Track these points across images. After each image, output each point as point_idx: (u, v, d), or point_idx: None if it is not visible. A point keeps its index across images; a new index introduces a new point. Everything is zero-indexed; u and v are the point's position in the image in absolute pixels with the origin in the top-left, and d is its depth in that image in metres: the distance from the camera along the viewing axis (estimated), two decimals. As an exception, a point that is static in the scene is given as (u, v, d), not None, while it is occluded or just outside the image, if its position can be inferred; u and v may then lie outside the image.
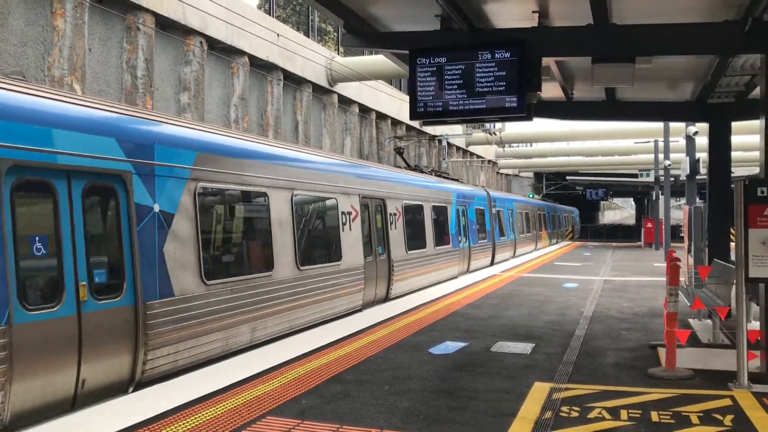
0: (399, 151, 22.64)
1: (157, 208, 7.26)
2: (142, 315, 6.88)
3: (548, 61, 9.50)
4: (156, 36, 17.64)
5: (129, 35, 17.00)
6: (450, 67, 7.88)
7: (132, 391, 6.72)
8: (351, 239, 12.11)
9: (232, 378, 6.76)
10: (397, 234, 14.59)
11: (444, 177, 22.49)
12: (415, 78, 7.99)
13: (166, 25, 18.00)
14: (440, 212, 18.27)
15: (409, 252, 15.15)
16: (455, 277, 18.45)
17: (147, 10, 17.02)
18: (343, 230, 11.84)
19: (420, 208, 16.62)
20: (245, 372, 7.01)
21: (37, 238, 5.96)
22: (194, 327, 7.67)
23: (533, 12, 8.08)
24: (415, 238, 15.82)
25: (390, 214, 14.40)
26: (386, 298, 13.74)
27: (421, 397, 6.18)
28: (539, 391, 6.43)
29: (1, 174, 5.65)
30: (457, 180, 25.09)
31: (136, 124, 7.33)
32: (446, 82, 7.87)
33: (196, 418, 5.45)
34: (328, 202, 11.66)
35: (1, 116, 5.75)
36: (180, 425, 5.27)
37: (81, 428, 5.17)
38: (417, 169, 20.66)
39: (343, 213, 11.97)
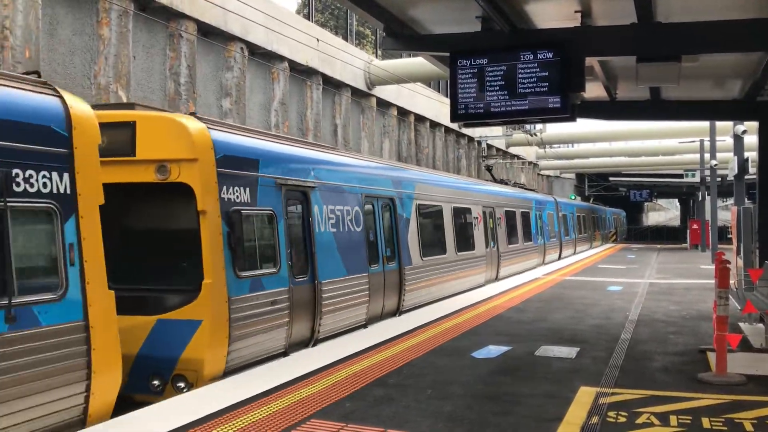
0: (488, 168, 29.04)
1: (404, 215, 12.56)
2: (402, 274, 11.96)
3: (591, 61, 9.36)
4: (198, 43, 17.91)
5: (172, 42, 17.30)
6: (491, 69, 7.82)
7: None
8: (480, 235, 17.35)
9: (282, 378, 6.81)
10: (501, 233, 19.40)
11: (523, 188, 28.65)
12: (456, 80, 7.95)
13: (207, 32, 18.27)
14: (525, 216, 22.94)
15: (508, 246, 20.01)
16: (534, 268, 22.53)
17: (189, 18, 17.30)
18: (476, 229, 17.18)
19: (513, 213, 21.28)
20: (295, 372, 7.06)
21: (370, 232, 11.16)
22: (419, 283, 12.77)
23: (576, 11, 7.98)
24: (511, 236, 20.56)
25: (497, 218, 19.18)
26: (496, 278, 18.37)
27: (464, 402, 6.13)
28: (585, 395, 6.33)
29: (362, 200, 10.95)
30: (533, 190, 31.69)
31: (395, 171, 13.32)
32: (487, 83, 7.81)
33: (243, 420, 5.50)
34: (470, 211, 17.08)
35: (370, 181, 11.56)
36: (227, 426, 5.32)
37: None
38: (502, 182, 25.80)
39: (474, 218, 17.26)
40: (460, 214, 16.17)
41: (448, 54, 8.17)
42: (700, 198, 35.49)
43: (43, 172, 5.25)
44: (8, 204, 4.96)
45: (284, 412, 5.75)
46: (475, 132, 35.78)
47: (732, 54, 9.26)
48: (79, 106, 5.71)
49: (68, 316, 5.29)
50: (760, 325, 9.64)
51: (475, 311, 11.87)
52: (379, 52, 29.34)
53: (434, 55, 9.43)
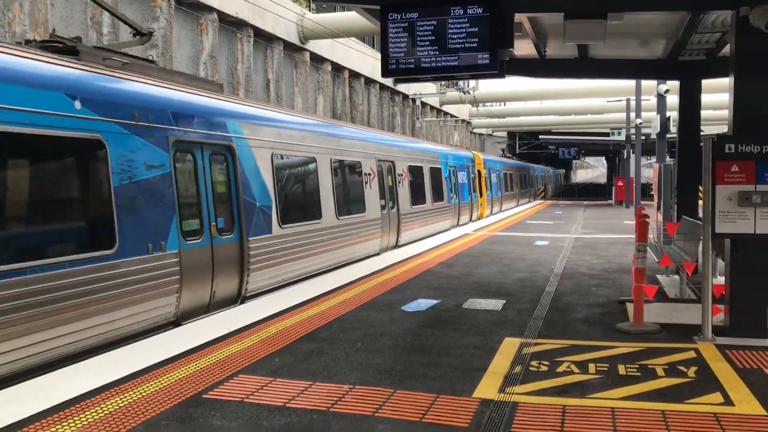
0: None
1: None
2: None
3: (521, 18, 9.40)
4: (121, -9, 17.14)
5: (93, -10, 16.50)
6: (422, 23, 7.76)
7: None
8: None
9: (210, 336, 6.76)
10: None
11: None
12: (387, 34, 7.86)
13: (131, -20, 17.50)
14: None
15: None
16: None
17: (111, -36, 16.49)
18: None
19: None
20: (223, 330, 7.01)
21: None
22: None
23: (506, -33, 7.96)
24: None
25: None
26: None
27: (393, 354, 6.23)
28: (509, 346, 6.52)
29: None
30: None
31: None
32: (418, 38, 7.76)
33: (169, 377, 5.45)
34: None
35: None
36: (158, 382, 5.26)
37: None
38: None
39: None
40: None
41: (378, 7, 8.05)
42: (625, 156, 36.61)
43: None
44: None
45: (212, 368, 5.73)
46: (410, 90, 35.73)
47: (656, 13, 9.45)
48: None
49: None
50: (676, 276, 10.11)
51: (408, 266, 12.01)
52: (313, 6, 28.75)
53: (365, 8, 9.27)
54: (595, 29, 8.28)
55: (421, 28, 7.77)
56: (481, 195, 28.05)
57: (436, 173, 20.84)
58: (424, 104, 39.43)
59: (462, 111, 48.53)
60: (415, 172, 18.56)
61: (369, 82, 33.60)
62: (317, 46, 27.47)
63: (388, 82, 34.05)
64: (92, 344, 6.73)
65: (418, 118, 35.48)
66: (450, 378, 5.51)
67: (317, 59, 28.21)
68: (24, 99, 6.13)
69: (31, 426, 4.40)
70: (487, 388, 5.26)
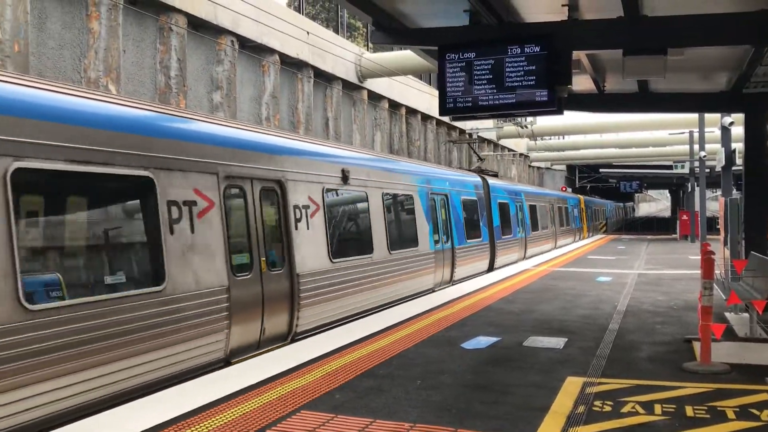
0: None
1: None
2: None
3: (579, 54, 9.45)
4: (188, 36, 17.89)
5: (162, 36, 17.27)
6: (479, 62, 7.89)
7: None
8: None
9: (269, 372, 6.88)
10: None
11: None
12: (444, 74, 8.01)
13: (198, 25, 18.25)
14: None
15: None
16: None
17: (179, 11, 17.28)
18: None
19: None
20: (281, 366, 7.13)
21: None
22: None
23: (563, 5, 8.05)
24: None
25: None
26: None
27: (454, 392, 6.22)
28: (572, 385, 6.43)
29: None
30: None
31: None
32: (475, 77, 7.88)
33: (232, 412, 5.57)
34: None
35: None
36: (222, 417, 5.39)
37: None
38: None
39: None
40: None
41: (436, 48, 8.23)
42: (689, 189, 35.68)
43: None
44: None
45: (274, 404, 5.83)
46: (466, 124, 35.82)
47: (718, 47, 9.35)
48: None
49: None
50: (745, 314, 9.78)
51: (467, 302, 11.96)
52: (370, 45, 29.33)
53: (423, 49, 9.48)
54: (655, 65, 8.25)
55: (478, 68, 7.90)
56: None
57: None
58: (481, 139, 39.47)
59: (520, 145, 48.33)
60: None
61: (426, 118, 33.89)
62: (375, 84, 27.95)
63: (445, 117, 34.24)
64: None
65: (475, 152, 35.48)
66: (512, 417, 5.47)
67: (375, 97, 28.67)
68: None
69: None
70: (550, 427, 5.19)
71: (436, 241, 15.18)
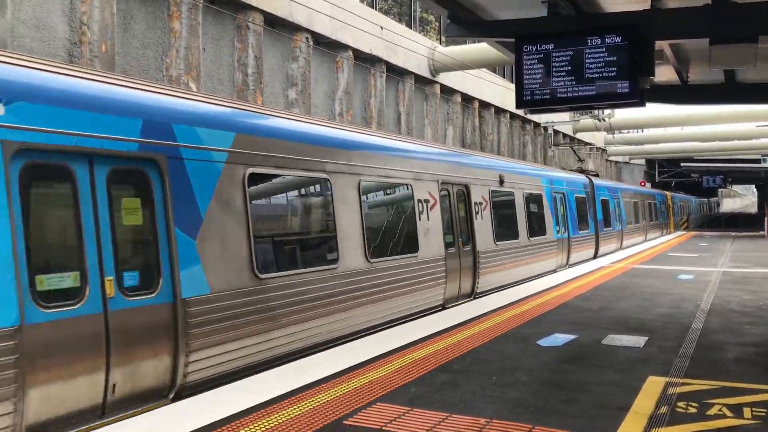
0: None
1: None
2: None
3: (662, 44, 9.13)
4: (265, 33, 18.24)
5: (240, 34, 17.67)
6: (557, 54, 7.73)
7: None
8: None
9: (346, 363, 6.96)
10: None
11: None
12: (522, 66, 7.89)
13: (274, 23, 18.57)
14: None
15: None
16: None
17: (256, 9, 17.62)
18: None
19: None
20: (358, 357, 7.20)
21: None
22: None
23: (645, -7, 7.79)
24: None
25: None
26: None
27: (530, 389, 6.14)
28: (653, 385, 6.24)
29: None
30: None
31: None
32: (554, 69, 7.73)
33: (310, 402, 5.66)
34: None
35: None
36: (300, 406, 5.49)
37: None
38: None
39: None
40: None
41: (513, 40, 8.10)
42: (778, 184, 34.00)
43: None
44: None
45: (351, 395, 5.89)
46: (541, 118, 35.21)
47: (814, 33, 8.85)
48: None
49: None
50: (842, 316, 9.26)
51: (542, 299, 11.78)
52: (443, 39, 29.18)
53: (499, 41, 9.36)
54: (745, 53, 7.89)
55: (556, 59, 7.74)
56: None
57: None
58: (556, 132, 38.73)
59: (597, 138, 47.14)
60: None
61: (499, 111, 33.49)
62: (447, 78, 27.79)
63: (519, 110, 33.75)
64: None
65: (550, 147, 34.88)
66: (591, 416, 5.35)
67: (447, 91, 28.51)
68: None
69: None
70: (631, 427, 5.06)
71: (558, 232, 18.57)
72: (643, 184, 47.16)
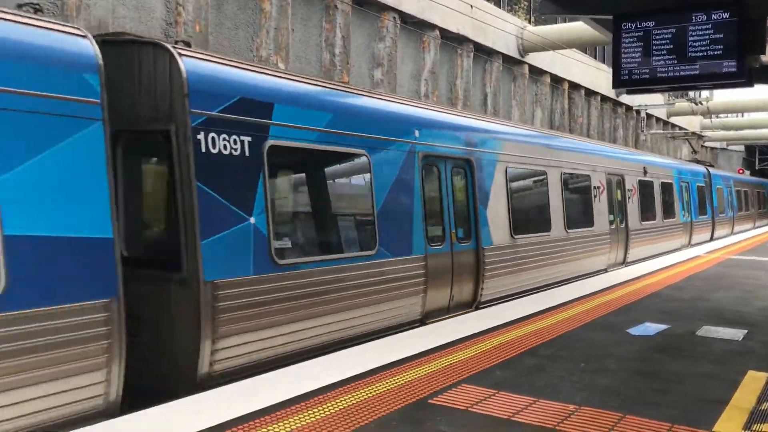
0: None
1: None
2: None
3: (773, 20, 8.57)
4: (352, 13, 18.29)
5: (328, 14, 17.78)
6: (658, 32, 7.38)
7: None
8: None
9: (427, 345, 6.96)
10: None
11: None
12: (620, 44, 7.58)
13: (362, 2, 18.60)
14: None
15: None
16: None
17: (345, -11, 17.70)
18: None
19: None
20: (440, 339, 7.19)
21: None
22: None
23: (757, -34, 7.32)
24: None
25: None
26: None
27: (620, 377, 5.96)
28: (754, 380, 5.94)
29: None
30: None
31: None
32: (654, 47, 7.39)
33: (393, 381, 5.69)
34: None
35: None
36: (384, 383, 5.53)
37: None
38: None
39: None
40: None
41: (611, 17, 7.79)
42: None
43: None
44: None
45: (437, 375, 5.88)
46: (634, 101, 33.98)
47: None
48: None
49: None
50: None
51: (631, 287, 11.42)
52: (533, 18, 28.49)
53: (595, 19, 9.02)
54: None
55: (657, 37, 7.40)
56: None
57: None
58: (649, 116, 37.27)
59: (692, 123, 45.09)
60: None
61: (589, 93, 32.50)
62: (536, 59, 27.15)
63: (610, 93, 32.64)
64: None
65: (642, 131, 33.63)
66: (685, 407, 5.15)
67: (536, 71, 27.87)
68: None
69: (275, 414, 4.84)
70: (730, 422, 4.84)
71: (683, 215, 21.56)
72: (741, 171, 44.90)
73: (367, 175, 8.11)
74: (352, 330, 7.67)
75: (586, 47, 30.09)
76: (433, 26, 21.34)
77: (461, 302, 9.79)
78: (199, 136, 5.99)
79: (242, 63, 6.95)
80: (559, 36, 24.63)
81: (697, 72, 7.20)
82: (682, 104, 34.98)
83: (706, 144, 51.72)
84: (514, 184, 11.53)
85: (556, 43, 24.39)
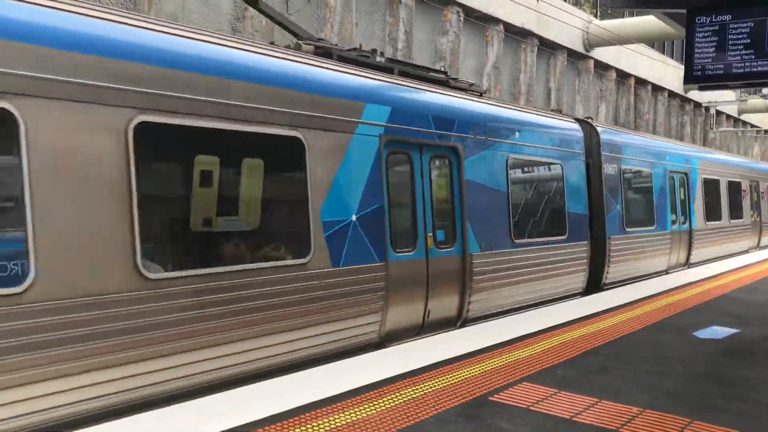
0: None
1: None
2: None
3: None
4: (416, 7, 18.26)
5: (391, 8, 17.80)
6: (735, 26, 7.12)
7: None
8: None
9: (494, 340, 6.93)
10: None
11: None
12: (693, 39, 7.34)
13: (426, -4, 18.56)
14: None
15: None
16: None
17: (409, -17, 17.67)
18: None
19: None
20: (504, 336, 7.15)
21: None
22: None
23: None
24: None
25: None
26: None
27: (686, 380, 5.80)
28: (831, 389, 5.69)
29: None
30: None
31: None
32: (730, 42, 7.13)
33: (455, 375, 5.69)
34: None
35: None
36: (454, 375, 5.54)
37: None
38: None
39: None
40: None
41: (684, 11, 7.55)
42: None
43: None
44: None
45: (498, 372, 5.85)
46: (703, 97, 32.91)
47: None
48: None
49: None
50: None
51: (699, 288, 11.09)
52: (599, 12, 27.88)
53: (668, 13, 8.76)
54: None
55: (734, 31, 7.14)
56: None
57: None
58: (719, 113, 36.04)
59: (765, 121, 43.41)
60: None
61: (656, 89, 31.65)
62: (602, 54, 26.59)
63: (679, 89, 31.70)
64: None
65: (711, 128, 32.54)
66: (758, 415, 4.98)
67: (601, 66, 27.30)
68: None
69: (328, 408, 4.90)
70: (804, 433, 4.65)
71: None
72: None
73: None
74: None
75: (654, 42, 29.29)
76: (497, 20, 21.14)
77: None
78: (604, 164, 11.91)
79: (601, 125, 12.50)
80: (626, 30, 24.05)
81: (775, 68, 6.93)
82: (754, 101, 33.69)
83: (780, 143, 49.69)
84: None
85: (623, 38, 23.82)
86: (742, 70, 7.09)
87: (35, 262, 4.42)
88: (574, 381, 5.69)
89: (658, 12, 8.63)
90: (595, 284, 11.56)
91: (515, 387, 5.46)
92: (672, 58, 32.22)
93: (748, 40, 7.06)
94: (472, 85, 9.64)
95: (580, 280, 10.86)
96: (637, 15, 24.10)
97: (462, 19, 19.89)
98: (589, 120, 12.30)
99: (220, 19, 14.06)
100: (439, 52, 19.61)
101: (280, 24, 8.11)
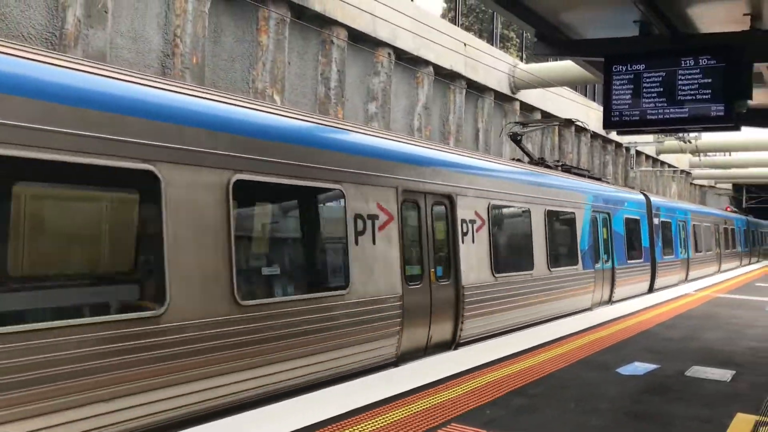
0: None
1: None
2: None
3: (760, 67, 8.77)
4: (348, 48, 18.52)
5: (324, 48, 18.01)
6: (649, 75, 7.54)
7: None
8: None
9: (420, 381, 6.94)
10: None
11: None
12: (611, 86, 7.73)
13: (357, 38, 18.85)
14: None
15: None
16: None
17: (341, 24, 17.94)
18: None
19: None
20: (432, 376, 7.17)
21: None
22: None
23: (744, 14, 7.50)
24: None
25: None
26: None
27: (612, 418, 5.96)
28: (743, 423, 5.95)
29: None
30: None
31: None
32: (644, 90, 7.54)
33: (383, 419, 5.67)
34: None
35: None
36: (367, 424, 5.51)
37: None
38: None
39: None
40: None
41: (602, 59, 7.95)
42: None
43: None
44: None
45: (424, 414, 5.86)
46: (623, 138, 34.38)
47: None
48: None
49: None
50: None
51: (620, 325, 11.44)
52: (524, 56, 28.91)
53: (587, 61, 9.20)
54: None
55: (647, 80, 7.55)
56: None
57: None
58: (638, 153, 37.71)
59: (681, 161, 45.62)
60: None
61: (579, 130, 32.87)
62: (527, 96, 27.51)
63: (600, 130, 33.04)
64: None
65: (632, 168, 33.96)
66: (675, 451, 5.14)
67: (527, 108, 28.21)
68: None
69: None
70: (720, 467, 4.83)
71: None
72: (728, 209, 45.34)
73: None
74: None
75: (577, 85, 30.52)
76: (427, 62, 21.64)
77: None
78: (655, 220, 19.38)
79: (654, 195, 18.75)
80: (550, 74, 25.00)
81: (686, 115, 7.34)
82: (671, 143, 35.44)
83: (695, 182, 52.25)
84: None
85: (547, 81, 24.73)
86: (656, 117, 7.48)
87: (169, 290, 5.64)
88: (502, 421, 5.75)
89: (579, 59, 9.03)
90: None
91: (443, 429, 5.48)
92: (594, 100, 33.60)
93: (661, 89, 7.47)
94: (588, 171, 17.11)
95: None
96: (560, 60, 25.10)
97: (393, 60, 20.28)
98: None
99: (150, 56, 13.89)
100: (372, 92, 19.89)
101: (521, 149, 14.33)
